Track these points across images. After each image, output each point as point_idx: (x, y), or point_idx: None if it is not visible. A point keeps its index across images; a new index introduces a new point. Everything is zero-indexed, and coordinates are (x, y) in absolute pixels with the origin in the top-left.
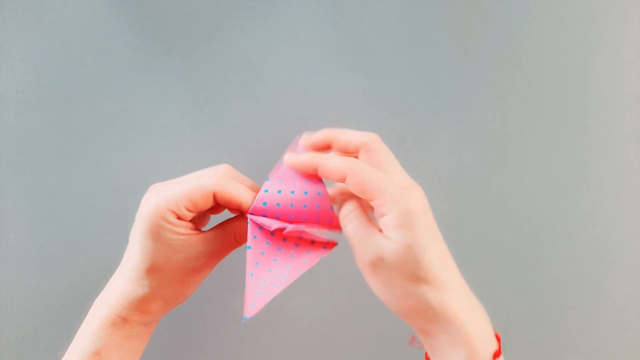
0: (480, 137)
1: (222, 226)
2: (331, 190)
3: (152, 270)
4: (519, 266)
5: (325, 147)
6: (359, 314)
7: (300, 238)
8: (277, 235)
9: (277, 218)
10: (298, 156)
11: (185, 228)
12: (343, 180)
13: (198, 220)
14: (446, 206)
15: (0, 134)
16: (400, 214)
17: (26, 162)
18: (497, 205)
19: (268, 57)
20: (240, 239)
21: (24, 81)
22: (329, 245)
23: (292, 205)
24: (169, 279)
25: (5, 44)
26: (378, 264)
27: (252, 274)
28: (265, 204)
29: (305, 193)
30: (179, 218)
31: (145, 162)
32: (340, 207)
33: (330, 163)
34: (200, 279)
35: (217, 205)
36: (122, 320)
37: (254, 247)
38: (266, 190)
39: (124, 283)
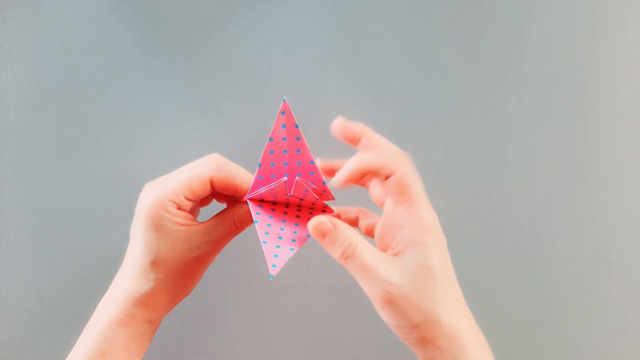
0: (480, 137)
1: (221, 214)
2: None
3: (157, 262)
4: (519, 266)
5: (353, 141)
6: (359, 314)
7: (299, 210)
8: (278, 210)
9: (274, 198)
10: (339, 173)
11: (185, 218)
12: (388, 176)
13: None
14: (446, 206)
15: (0, 134)
16: (421, 231)
17: (26, 162)
18: (497, 205)
19: (268, 57)
20: (240, 225)
21: (24, 81)
22: (326, 210)
23: (286, 175)
24: (173, 271)
25: (5, 44)
26: (393, 293)
27: (265, 242)
28: (260, 187)
29: (298, 163)
30: (179, 208)
31: (145, 162)
32: (331, 240)
33: (382, 159)
34: (203, 269)
35: (207, 198)
36: (128, 319)
37: (260, 220)
38: (260, 177)
39: (128, 280)
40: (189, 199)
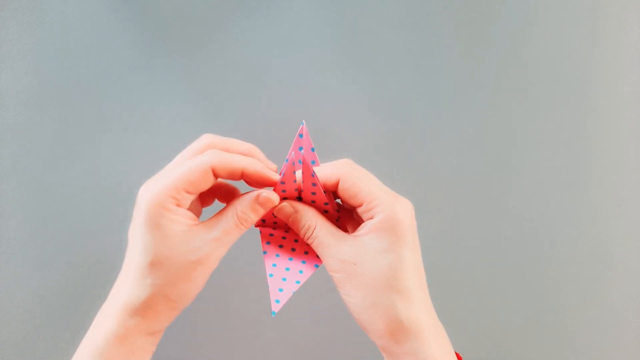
0: (480, 137)
1: (222, 210)
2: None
3: (156, 264)
4: (519, 266)
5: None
6: None
7: (308, 246)
8: (289, 238)
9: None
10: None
11: (185, 217)
12: (335, 184)
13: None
14: (446, 206)
15: (0, 134)
16: (386, 219)
17: (26, 162)
18: (497, 205)
19: (268, 57)
20: (243, 219)
21: (24, 81)
22: (340, 219)
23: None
24: (173, 274)
25: (5, 44)
26: (350, 269)
27: (271, 275)
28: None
29: (313, 194)
30: (179, 205)
31: (145, 162)
32: (295, 221)
33: (325, 168)
34: (206, 274)
35: (209, 196)
36: (125, 332)
37: (269, 251)
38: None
39: (126, 286)
40: (189, 192)
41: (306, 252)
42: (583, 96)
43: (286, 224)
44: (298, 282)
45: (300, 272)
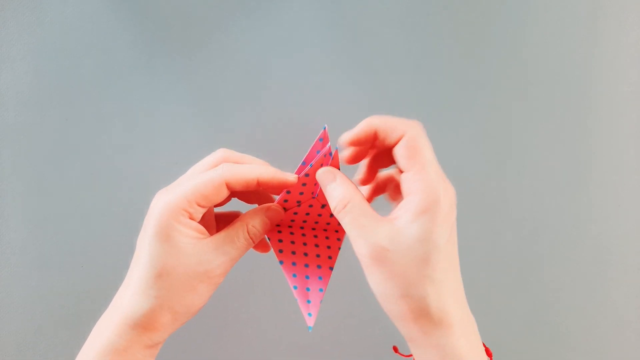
0: (480, 137)
1: (233, 226)
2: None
3: (162, 275)
4: (519, 266)
5: (369, 140)
6: (361, 314)
7: (316, 238)
8: (297, 241)
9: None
10: (350, 130)
11: (196, 230)
12: (398, 140)
13: (206, 225)
14: None
15: (0, 134)
16: (427, 199)
17: (26, 162)
18: (497, 205)
19: (268, 57)
20: (254, 236)
21: (24, 81)
22: (340, 230)
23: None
24: (179, 286)
25: (5, 44)
26: (382, 255)
27: (295, 287)
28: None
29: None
30: (191, 217)
31: (145, 162)
32: (330, 190)
33: (391, 121)
34: (212, 288)
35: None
36: (125, 344)
37: (285, 260)
38: (288, 192)
39: (129, 296)
40: (202, 206)
41: (318, 255)
42: (583, 96)
43: (290, 221)
44: (321, 289)
45: (320, 278)
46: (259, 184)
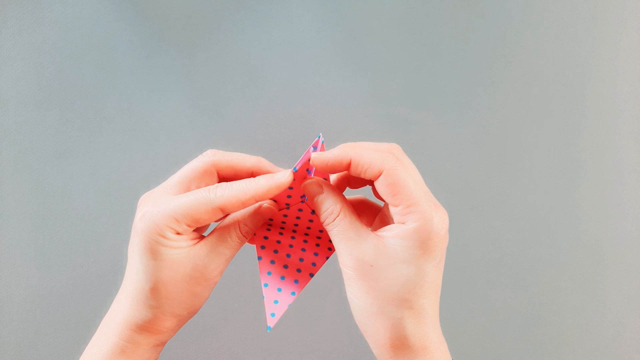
0: (480, 137)
1: (225, 225)
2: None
3: (157, 289)
4: (519, 266)
5: (342, 169)
6: None
7: (306, 243)
8: (284, 242)
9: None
10: (327, 152)
11: (186, 240)
12: (376, 177)
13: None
14: (446, 206)
15: (0, 134)
16: (420, 229)
17: (26, 162)
18: (497, 205)
19: (268, 57)
20: (247, 233)
21: (24, 81)
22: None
23: (296, 225)
24: (177, 294)
25: (6, 44)
26: (366, 270)
27: (266, 284)
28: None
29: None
30: (178, 234)
31: (145, 162)
32: (319, 202)
33: (366, 156)
34: (210, 287)
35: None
36: (132, 346)
37: (264, 257)
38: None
39: (129, 305)
40: (190, 226)
41: (301, 260)
42: (583, 96)
43: (281, 223)
44: (293, 293)
45: (296, 281)
46: (256, 201)
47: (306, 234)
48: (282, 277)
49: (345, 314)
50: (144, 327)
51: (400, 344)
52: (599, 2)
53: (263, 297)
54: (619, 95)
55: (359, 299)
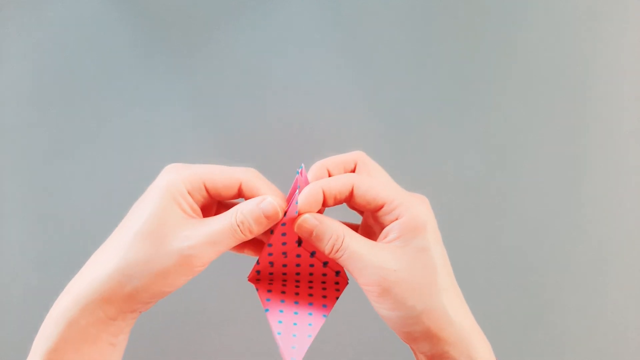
0: (480, 137)
1: (223, 212)
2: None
3: (140, 235)
4: (520, 267)
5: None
6: (364, 314)
7: (311, 289)
8: (289, 292)
9: (284, 273)
10: (301, 194)
11: (188, 206)
12: (350, 194)
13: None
14: (446, 206)
15: (0, 133)
16: (414, 217)
17: (25, 162)
18: (497, 206)
19: (268, 56)
20: (244, 227)
21: (24, 81)
22: (341, 282)
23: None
24: (150, 255)
25: (5, 44)
26: (392, 277)
27: (279, 333)
28: (271, 264)
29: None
30: (190, 194)
31: (145, 162)
32: (318, 235)
33: (334, 181)
34: (184, 274)
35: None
36: (79, 313)
37: (272, 308)
38: (270, 254)
39: (95, 258)
40: (207, 189)
41: (310, 304)
42: (583, 96)
43: (282, 275)
44: (310, 335)
45: (310, 324)
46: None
47: (310, 281)
48: (295, 323)
49: (346, 314)
50: (98, 287)
51: (450, 331)
52: (601, 2)
53: (278, 346)
54: (622, 95)
55: (392, 311)
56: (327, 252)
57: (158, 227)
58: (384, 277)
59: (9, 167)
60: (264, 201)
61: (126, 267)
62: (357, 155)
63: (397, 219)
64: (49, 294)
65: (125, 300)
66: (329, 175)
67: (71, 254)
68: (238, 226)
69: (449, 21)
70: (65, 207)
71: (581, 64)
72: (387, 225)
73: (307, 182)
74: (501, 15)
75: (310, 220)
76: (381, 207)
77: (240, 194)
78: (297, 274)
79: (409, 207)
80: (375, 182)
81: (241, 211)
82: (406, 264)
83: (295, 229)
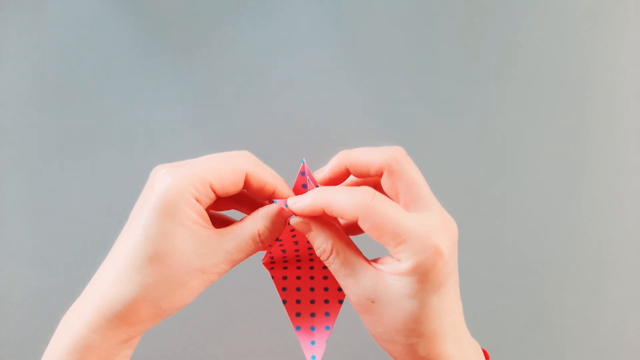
0: (481, 137)
1: (240, 223)
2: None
3: (154, 260)
4: (520, 267)
5: (343, 176)
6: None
7: (326, 279)
8: (303, 277)
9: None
10: (301, 199)
11: (199, 216)
12: (355, 222)
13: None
14: (446, 207)
15: (0, 133)
16: (416, 266)
17: (26, 162)
18: (497, 206)
19: (268, 57)
20: (264, 239)
21: (24, 81)
22: None
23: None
24: (168, 278)
25: (5, 44)
26: (368, 306)
27: (298, 327)
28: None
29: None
30: (197, 201)
31: (145, 162)
32: (311, 240)
33: (338, 201)
34: (203, 286)
35: (230, 200)
36: (100, 339)
37: (288, 299)
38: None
39: (110, 280)
40: (214, 190)
41: (326, 289)
42: (583, 96)
43: (295, 253)
44: (328, 327)
45: (327, 314)
46: (274, 195)
47: (325, 277)
48: (312, 314)
49: (345, 313)
50: (118, 315)
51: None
52: (601, 2)
53: (298, 341)
54: (622, 95)
55: (369, 329)
56: (318, 255)
57: (172, 248)
58: (360, 303)
59: (9, 167)
60: (292, 219)
61: (146, 293)
62: (390, 157)
63: (400, 261)
64: (49, 294)
65: (149, 319)
66: (347, 175)
67: (71, 254)
68: (261, 242)
69: (449, 22)
70: (65, 206)
71: (581, 64)
72: (393, 259)
73: (312, 178)
74: (501, 15)
75: (302, 225)
76: (387, 245)
77: (246, 186)
78: (310, 256)
79: (418, 251)
80: (383, 216)
81: (265, 226)
82: (386, 302)
83: (292, 226)
